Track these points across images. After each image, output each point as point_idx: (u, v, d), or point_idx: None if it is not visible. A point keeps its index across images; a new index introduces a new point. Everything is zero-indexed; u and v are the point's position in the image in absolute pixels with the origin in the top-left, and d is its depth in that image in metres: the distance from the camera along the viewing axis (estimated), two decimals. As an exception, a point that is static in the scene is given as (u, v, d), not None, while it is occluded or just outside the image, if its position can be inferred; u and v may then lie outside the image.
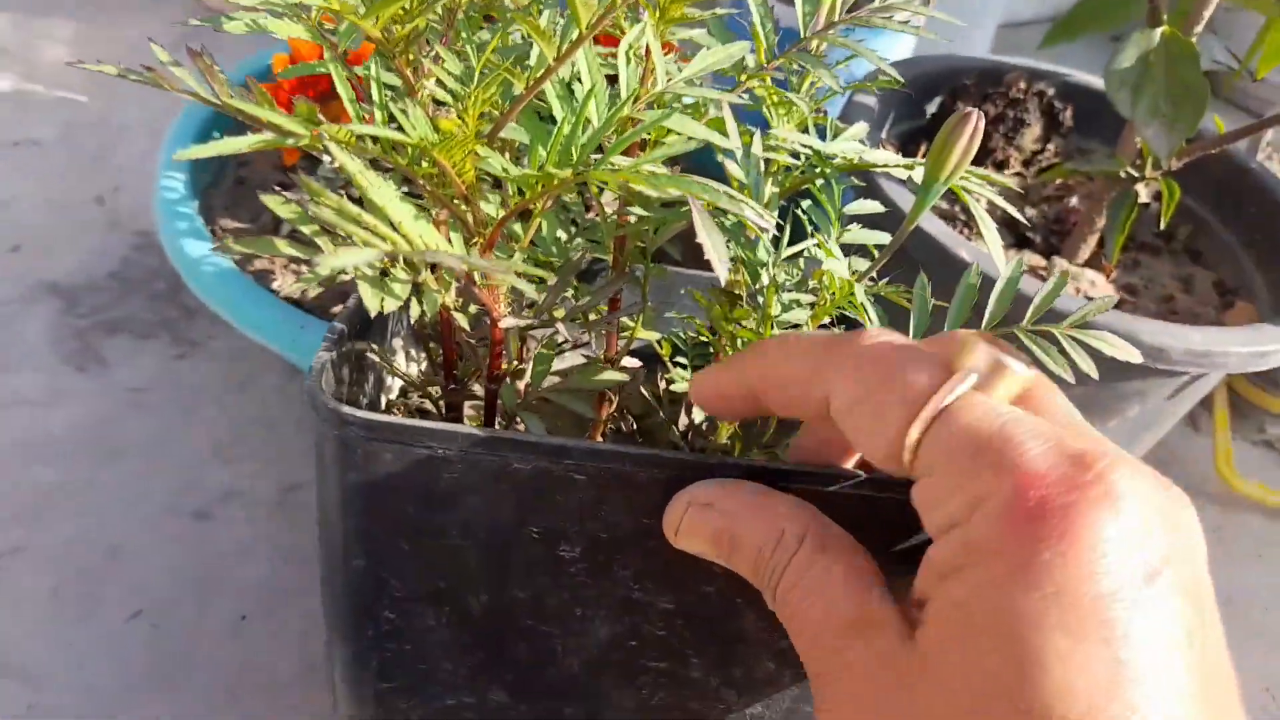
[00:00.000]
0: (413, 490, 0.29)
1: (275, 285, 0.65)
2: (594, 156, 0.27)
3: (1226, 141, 0.62)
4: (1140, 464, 0.22)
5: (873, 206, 0.39)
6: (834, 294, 0.35)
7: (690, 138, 0.28)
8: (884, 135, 0.73)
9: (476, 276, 0.29)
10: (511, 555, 0.30)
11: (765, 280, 0.36)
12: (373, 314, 0.27)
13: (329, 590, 0.33)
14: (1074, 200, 0.74)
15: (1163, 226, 0.65)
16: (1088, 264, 0.69)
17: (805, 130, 0.39)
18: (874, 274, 0.36)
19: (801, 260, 0.38)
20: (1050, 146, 0.76)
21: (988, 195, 0.36)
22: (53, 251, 0.82)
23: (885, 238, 0.38)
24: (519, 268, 0.23)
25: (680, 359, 0.43)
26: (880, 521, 0.29)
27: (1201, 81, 0.57)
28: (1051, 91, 0.76)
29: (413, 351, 0.44)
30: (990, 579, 0.21)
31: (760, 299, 0.36)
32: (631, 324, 0.40)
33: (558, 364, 0.45)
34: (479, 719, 0.34)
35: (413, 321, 0.43)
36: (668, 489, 0.29)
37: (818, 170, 0.37)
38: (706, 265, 0.25)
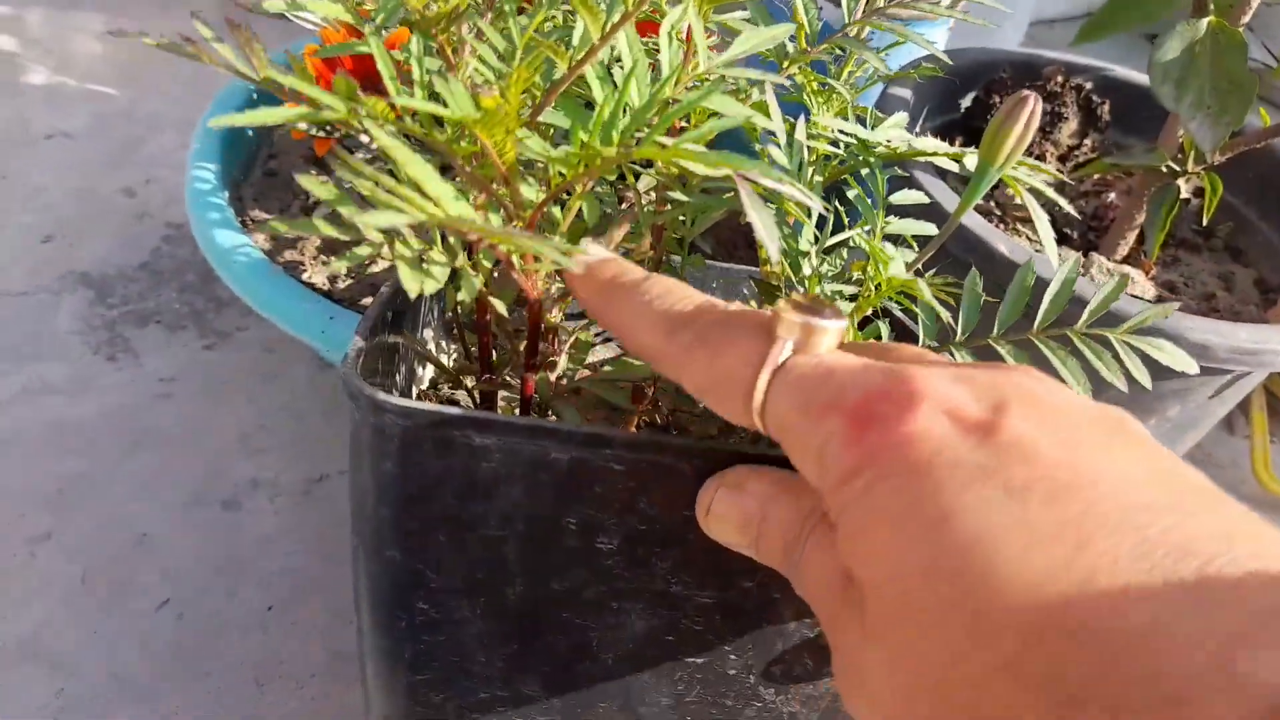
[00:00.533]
0: (450, 479, 0.28)
1: (305, 277, 0.65)
2: (636, 137, 0.26)
3: (1271, 135, 0.61)
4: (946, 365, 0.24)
5: (917, 197, 0.38)
6: (879, 285, 0.34)
7: (732, 118, 0.28)
8: (918, 129, 0.72)
9: (515, 260, 0.29)
10: (549, 547, 0.30)
11: (807, 270, 0.35)
12: (412, 295, 0.26)
13: (362, 581, 0.32)
14: (1112, 196, 0.72)
15: (1205, 223, 0.64)
16: (1126, 260, 0.68)
17: (845, 119, 0.38)
18: (919, 267, 0.35)
19: (844, 251, 0.37)
20: (1087, 141, 0.75)
21: (1036, 185, 0.35)
22: (83, 242, 0.82)
23: (931, 228, 0.37)
24: (560, 245, 0.23)
25: None
26: None
27: (1248, 74, 0.56)
28: (1089, 86, 0.75)
29: (443, 344, 0.43)
30: (870, 506, 0.21)
31: (802, 289, 0.35)
32: None
33: (589, 358, 0.45)
34: (512, 712, 0.34)
35: (446, 311, 0.43)
36: (707, 479, 0.28)
37: (860, 159, 0.37)
38: (738, 259, 0.25)
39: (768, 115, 0.34)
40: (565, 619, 0.31)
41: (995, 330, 0.34)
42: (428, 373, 0.42)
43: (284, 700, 0.55)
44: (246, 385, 0.72)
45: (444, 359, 0.43)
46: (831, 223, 0.37)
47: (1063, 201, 0.36)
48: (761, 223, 0.23)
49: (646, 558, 0.30)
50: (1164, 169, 0.63)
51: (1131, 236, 0.68)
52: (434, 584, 0.31)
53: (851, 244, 0.37)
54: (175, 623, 0.57)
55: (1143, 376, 0.33)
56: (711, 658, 0.32)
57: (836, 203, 0.37)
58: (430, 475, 0.28)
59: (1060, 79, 0.73)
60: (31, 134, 0.93)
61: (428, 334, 0.43)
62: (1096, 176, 0.74)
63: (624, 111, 0.26)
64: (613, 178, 0.38)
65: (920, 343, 0.35)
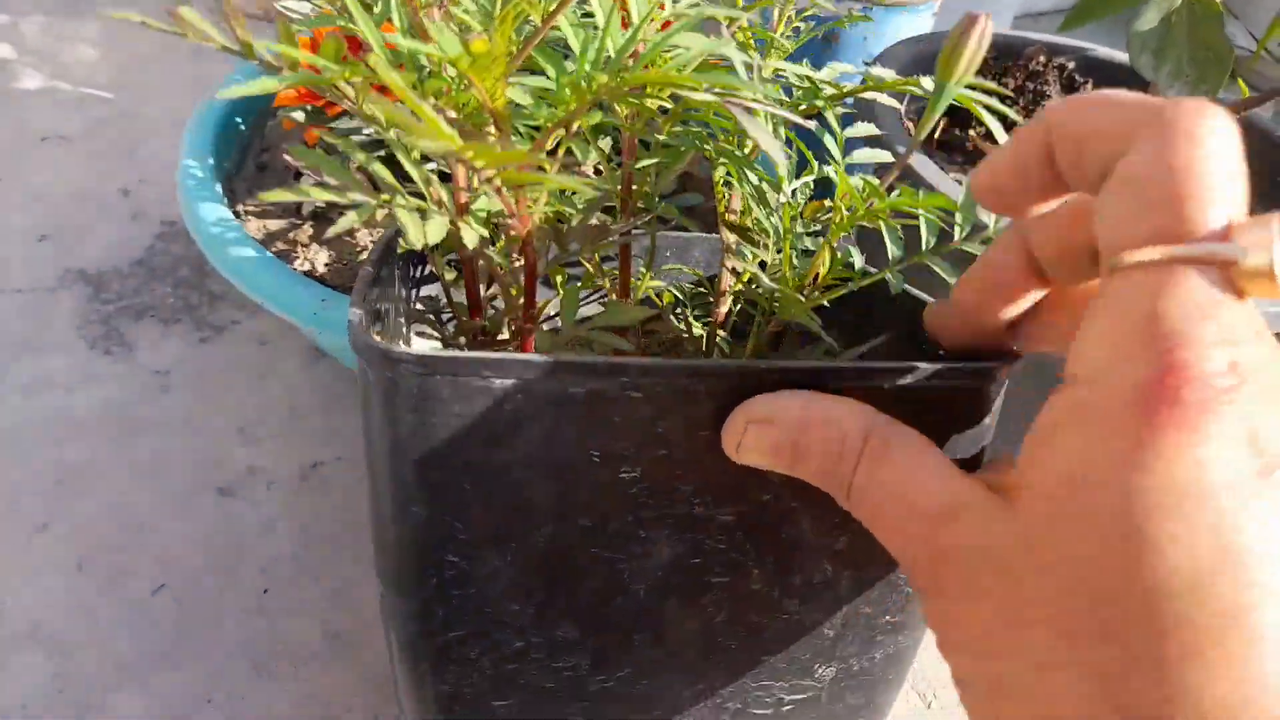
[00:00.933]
0: (471, 426, 0.28)
1: (297, 264, 0.66)
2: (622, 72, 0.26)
3: (1250, 106, 0.61)
4: None
5: (868, 129, 0.39)
6: (852, 207, 0.34)
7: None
8: (903, 110, 0.73)
9: (513, 204, 0.29)
10: (574, 484, 0.30)
11: (783, 198, 0.35)
12: (417, 245, 0.26)
13: (386, 544, 0.32)
14: (1096, 173, 0.73)
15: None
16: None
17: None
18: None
19: (808, 187, 0.38)
20: (1071, 121, 0.75)
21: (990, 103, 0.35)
22: (80, 241, 0.82)
23: (887, 155, 0.38)
24: (589, 181, 0.23)
25: (680, 310, 0.43)
26: (938, 415, 0.29)
27: (1225, 43, 0.56)
28: (1072, 65, 0.75)
29: (414, 329, 0.44)
30: (1106, 455, 0.21)
31: (776, 221, 0.36)
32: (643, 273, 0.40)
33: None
34: (547, 657, 0.33)
35: (434, 268, 0.43)
36: (723, 400, 0.29)
37: (806, 105, 0.37)
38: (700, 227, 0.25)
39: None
40: (594, 555, 0.31)
41: (956, 239, 0.36)
42: (412, 339, 0.42)
43: (281, 683, 0.55)
44: (241, 377, 0.73)
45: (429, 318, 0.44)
46: (795, 161, 0.38)
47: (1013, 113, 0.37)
48: (761, 136, 0.23)
49: (669, 483, 0.30)
50: (1146, 143, 0.63)
51: (1116, 211, 0.68)
52: (462, 536, 0.30)
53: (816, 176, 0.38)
54: (172, 607, 0.58)
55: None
56: (736, 576, 0.33)
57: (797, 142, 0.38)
58: (451, 424, 0.28)
59: (1042, 59, 0.74)
60: (29, 137, 0.94)
61: (402, 321, 0.43)
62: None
63: (604, 50, 0.27)
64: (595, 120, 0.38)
65: (890, 257, 0.35)
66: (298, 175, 0.75)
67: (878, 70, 0.35)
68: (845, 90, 0.37)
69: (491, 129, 0.28)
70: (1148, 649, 0.20)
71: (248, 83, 0.24)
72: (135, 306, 0.77)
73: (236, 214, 0.69)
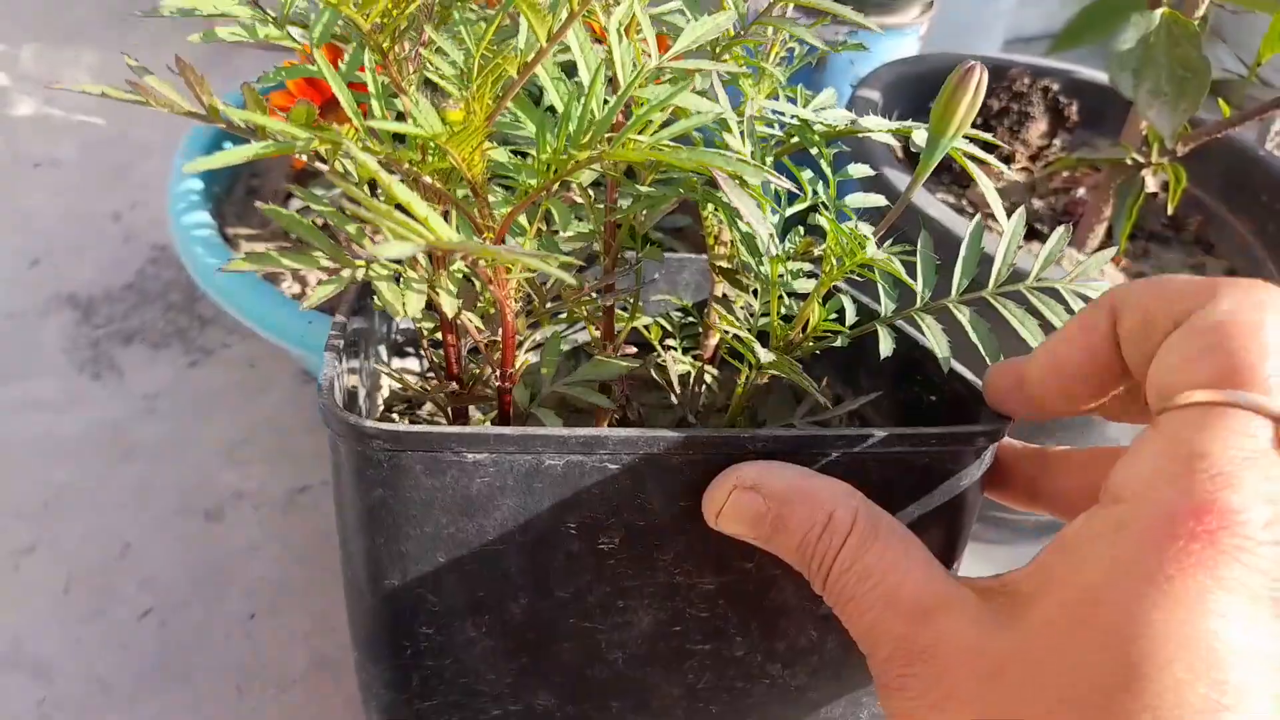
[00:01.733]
0: (444, 499, 0.28)
1: (284, 287, 0.66)
2: (607, 138, 0.26)
3: (1231, 125, 0.62)
4: None
5: (863, 170, 0.38)
6: (841, 258, 0.33)
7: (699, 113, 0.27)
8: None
9: (489, 273, 0.28)
10: (550, 554, 0.29)
11: (772, 251, 0.35)
12: (396, 317, 0.26)
13: (359, 612, 0.31)
14: (1081, 192, 0.73)
15: (1170, 212, 0.65)
16: (1096, 252, 0.69)
17: (775, 99, 0.38)
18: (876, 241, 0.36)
19: (800, 230, 0.37)
20: (1056, 142, 0.76)
21: (979, 154, 0.36)
22: (71, 265, 0.83)
23: (880, 199, 0.37)
24: (556, 257, 0.22)
25: (669, 342, 0.42)
26: (911, 480, 0.29)
27: (1203, 61, 0.57)
28: (1056, 87, 0.76)
29: (395, 362, 0.43)
30: (1127, 579, 0.20)
31: (764, 268, 0.35)
32: (626, 313, 0.39)
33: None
34: None
35: (394, 334, 0.43)
36: (703, 469, 0.28)
37: (797, 140, 0.36)
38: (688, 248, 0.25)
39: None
40: (572, 625, 0.31)
41: (953, 293, 0.35)
42: (382, 395, 0.41)
43: (265, 706, 0.55)
44: (229, 400, 0.73)
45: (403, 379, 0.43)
46: (786, 201, 0.38)
47: (1009, 171, 0.37)
48: (745, 207, 0.22)
49: (648, 552, 0.30)
50: (1129, 161, 0.64)
51: (1101, 230, 0.68)
52: (436, 607, 0.30)
53: (810, 223, 0.37)
54: (158, 631, 0.57)
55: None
56: (718, 643, 0.32)
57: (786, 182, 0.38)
58: (423, 497, 0.28)
59: (1026, 80, 0.75)
60: (21, 162, 0.95)
61: (382, 351, 0.42)
62: (1066, 173, 0.75)
63: (590, 111, 0.26)
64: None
65: (883, 309, 0.35)
66: (288, 197, 0.76)
67: (867, 121, 0.35)
68: (837, 130, 0.36)
69: (469, 196, 0.28)
70: None
71: (212, 156, 0.24)
72: (125, 330, 0.77)
73: (227, 238, 0.70)
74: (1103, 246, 0.69)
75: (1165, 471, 0.21)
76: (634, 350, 0.39)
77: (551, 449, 0.27)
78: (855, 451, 0.29)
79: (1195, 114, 0.57)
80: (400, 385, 0.37)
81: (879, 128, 0.35)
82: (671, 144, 0.24)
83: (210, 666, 0.56)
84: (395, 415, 0.40)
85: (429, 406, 0.39)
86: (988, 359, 0.33)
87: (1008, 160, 0.75)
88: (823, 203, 0.35)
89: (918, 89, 0.74)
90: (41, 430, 0.68)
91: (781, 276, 0.35)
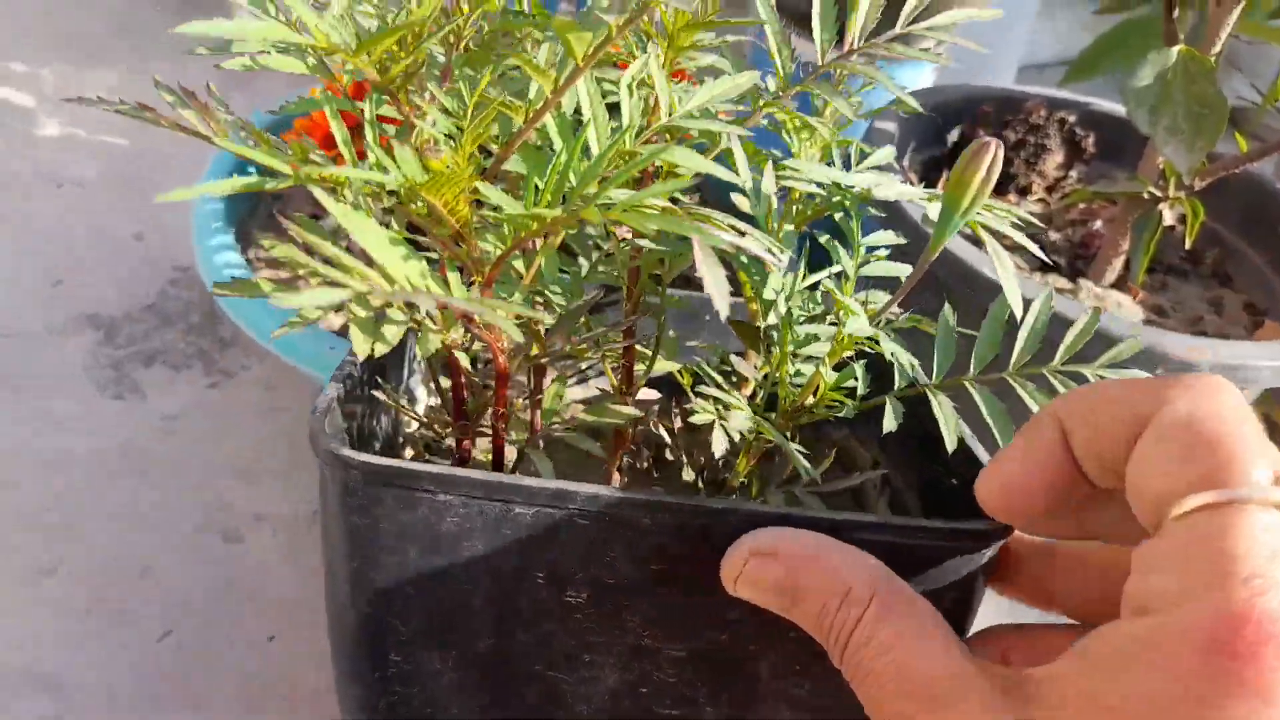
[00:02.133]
0: (415, 534, 0.28)
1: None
2: (582, 196, 0.25)
3: (1248, 160, 0.62)
4: None
5: (889, 238, 0.38)
6: (842, 340, 0.33)
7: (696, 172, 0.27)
8: (905, 162, 0.74)
9: (476, 315, 0.28)
10: (517, 599, 0.29)
11: (774, 319, 0.34)
12: (361, 357, 0.25)
13: (336, 631, 0.32)
14: (1098, 224, 0.74)
15: (1188, 246, 0.65)
16: (1114, 286, 0.69)
17: (829, 154, 0.38)
18: (895, 305, 0.35)
19: (821, 290, 0.37)
20: (1073, 173, 0.76)
21: (1009, 221, 0.34)
22: (93, 285, 0.83)
23: (905, 269, 0.36)
24: (512, 308, 0.22)
25: (702, 388, 0.41)
26: (900, 570, 0.28)
27: (1220, 98, 0.57)
28: (1073, 119, 0.77)
29: (431, 385, 0.43)
30: (1170, 700, 0.20)
31: (775, 334, 0.35)
32: (648, 353, 0.39)
33: (581, 393, 0.43)
34: None
35: (419, 359, 0.43)
36: (674, 535, 0.28)
37: (835, 200, 0.36)
38: (736, 292, 0.25)
39: (734, 164, 0.33)
40: (537, 671, 0.31)
41: (971, 370, 0.34)
42: (410, 422, 0.41)
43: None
44: (249, 422, 0.74)
45: (435, 399, 0.43)
46: (814, 260, 0.37)
47: (1032, 246, 0.35)
48: (712, 279, 0.22)
49: (616, 611, 0.29)
50: (1146, 195, 0.65)
51: (1118, 263, 0.69)
52: (404, 636, 0.30)
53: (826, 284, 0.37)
54: (175, 652, 0.58)
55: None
56: (688, 710, 0.32)
57: (820, 241, 0.37)
58: (395, 529, 0.28)
59: (1043, 112, 0.75)
60: (44, 182, 0.96)
61: (416, 377, 0.42)
62: (1083, 205, 0.75)
63: (581, 162, 0.26)
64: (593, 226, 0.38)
65: (895, 385, 0.34)
66: (315, 217, 0.77)
67: (893, 188, 0.34)
68: (869, 194, 0.35)
69: (455, 239, 0.28)
70: None
71: (220, 181, 0.25)
72: (146, 351, 0.78)
73: (248, 260, 0.71)
74: (1120, 280, 0.69)
75: (1193, 580, 0.21)
76: (657, 395, 0.39)
77: (521, 499, 0.27)
78: (839, 533, 0.28)
79: (1212, 149, 0.57)
80: (404, 413, 0.37)
81: (900, 195, 0.35)
82: (648, 208, 0.23)
83: (228, 687, 0.56)
84: (423, 438, 0.40)
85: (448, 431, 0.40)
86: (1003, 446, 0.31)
87: (1024, 192, 0.76)
88: (843, 270, 0.34)
89: (933, 121, 0.75)
90: (63, 449, 0.69)
91: (792, 339, 0.34)
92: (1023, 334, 0.33)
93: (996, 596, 0.33)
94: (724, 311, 0.21)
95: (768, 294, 0.34)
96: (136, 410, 0.73)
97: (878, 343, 0.33)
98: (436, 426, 0.38)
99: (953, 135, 0.77)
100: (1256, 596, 0.20)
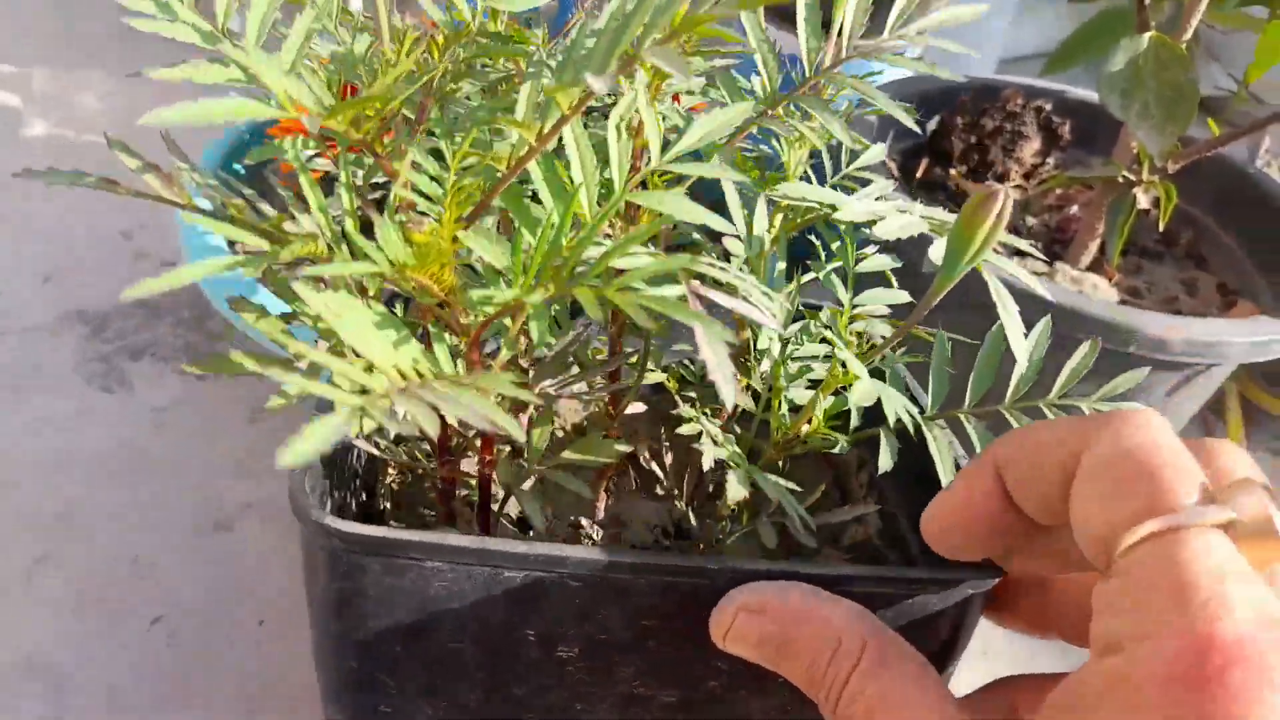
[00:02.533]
0: (401, 598, 0.28)
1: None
2: (576, 270, 0.25)
3: (1220, 144, 0.63)
4: None
5: (886, 261, 0.37)
6: (845, 373, 0.33)
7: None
8: (886, 151, 0.75)
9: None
10: (508, 656, 0.29)
11: (766, 366, 0.34)
12: (353, 438, 0.26)
13: (324, 678, 0.32)
14: (1074, 209, 0.75)
15: (1161, 228, 0.66)
16: (1090, 269, 0.70)
17: (815, 156, 0.37)
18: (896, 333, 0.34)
19: (809, 335, 0.36)
20: (1050, 161, 0.77)
21: (1011, 272, 0.33)
22: (82, 282, 0.83)
23: (904, 296, 0.35)
24: (500, 387, 0.22)
25: (689, 392, 0.40)
26: (890, 615, 0.28)
27: (1191, 84, 0.58)
28: (1049, 107, 0.77)
29: None
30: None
31: (767, 366, 0.34)
32: (634, 370, 0.38)
33: (571, 416, 0.42)
34: None
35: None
36: (663, 592, 0.28)
37: (823, 213, 0.35)
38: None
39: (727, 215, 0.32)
40: None
41: (967, 401, 0.34)
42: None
43: (275, 717, 0.55)
44: (239, 414, 0.74)
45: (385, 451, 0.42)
46: (804, 266, 0.36)
47: (1030, 281, 0.35)
48: (716, 360, 0.21)
49: (608, 664, 0.29)
50: (1120, 179, 0.66)
51: (1094, 246, 0.69)
52: (393, 691, 0.30)
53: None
54: (169, 642, 0.58)
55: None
56: None
57: (808, 261, 0.36)
58: (381, 593, 0.28)
59: (1020, 101, 0.76)
60: (34, 181, 0.96)
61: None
62: (1059, 191, 0.76)
63: (570, 228, 0.25)
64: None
65: (891, 421, 0.34)
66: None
67: (893, 223, 0.33)
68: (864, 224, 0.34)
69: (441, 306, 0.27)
70: None
71: (201, 263, 0.24)
72: (135, 345, 0.78)
73: (236, 253, 0.71)
74: (1096, 262, 0.70)
75: (1149, 614, 0.20)
76: (643, 409, 0.39)
77: (511, 564, 0.27)
78: (829, 587, 0.28)
79: (1185, 133, 0.58)
80: (391, 459, 0.37)
81: (902, 231, 0.33)
82: (641, 291, 0.23)
83: (221, 677, 0.56)
84: (404, 479, 0.40)
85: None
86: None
87: (1001, 179, 0.76)
88: (837, 300, 0.34)
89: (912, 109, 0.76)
90: (53, 443, 0.69)
91: (784, 375, 0.33)
92: (1018, 369, 0.33)
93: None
94: (730, 401, 0.20)
95: (761, 343, 0.34)
96: (126, 403, 0.73)
97: (883, 375, 0.32)
98: (418, 453, 0.37)
99: (932, 124, 0.78)
100: (1214, 622, 0.19)
